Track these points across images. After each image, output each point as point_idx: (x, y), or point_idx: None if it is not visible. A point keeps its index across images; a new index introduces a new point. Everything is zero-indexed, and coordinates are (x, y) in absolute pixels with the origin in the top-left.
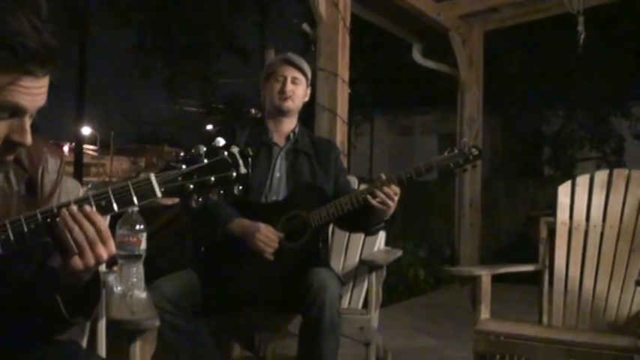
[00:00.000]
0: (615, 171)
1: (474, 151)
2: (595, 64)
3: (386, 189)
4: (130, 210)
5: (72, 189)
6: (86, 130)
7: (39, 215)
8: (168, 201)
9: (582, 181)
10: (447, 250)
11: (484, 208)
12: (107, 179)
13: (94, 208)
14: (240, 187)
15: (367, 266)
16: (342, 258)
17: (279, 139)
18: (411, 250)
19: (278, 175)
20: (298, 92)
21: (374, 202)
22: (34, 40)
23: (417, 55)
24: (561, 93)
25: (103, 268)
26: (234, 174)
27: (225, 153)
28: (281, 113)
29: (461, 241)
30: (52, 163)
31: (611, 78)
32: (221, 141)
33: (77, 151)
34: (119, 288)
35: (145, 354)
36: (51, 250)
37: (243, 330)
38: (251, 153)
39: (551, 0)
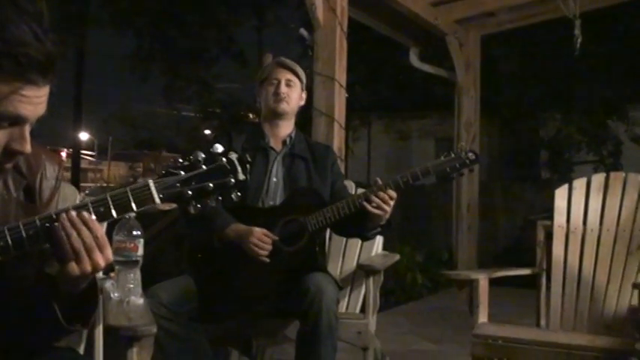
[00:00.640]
0: (612, 174)
1: (471, 155)
2: (592, 68)
3: (382, 193)
4: (127, 216)
5: (69, 195)
6: (84, 136)
7: (37, 222)
8: (166, 206)
9: (579, 184)
10: (444, 254)
11: (482, 211)
12: (105, 185)
13: (93, 215)
14: (239, 193)
15: (365, 271)
16: (340, 262)
17: (275, 144)
18: (408, 255)
19: (275, 179)
20: (293, 95)
21: (370, 206)
22: (36, 50)
23: (414, 60)
24: (558, 96)
25: (100, 274)
26: (233, 180)
27: (224, 159)
28: (276, 116)
29: (458, 245)
30: (51, 170)
31: (609, 81)
32: (219, 147)
33: (75, 157)
34: (116, 294)
35: None
36: (49, 257)
37: (240, 335)
38: (249, 159)
39: (548, 4)
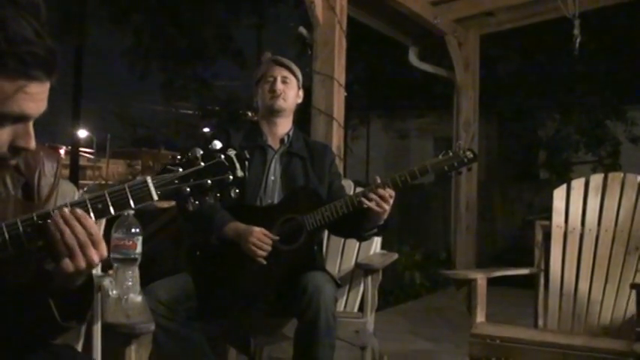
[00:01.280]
0: (610, 175)
1: (469, 154)
2: (591, 68)
3: (380, 192)
4: (125, 213)
5: (67, 192)
6: (82, 133)
7: (35, 218)
8: (165, 204)
9: (578, 184)
10: (442, 254)
11: (480, 211)
12: (103, 182)
13: (91, 212)
14: (237, 190)
15: (363, 269)
16: (338, 261)
17: (273, 142)
18: (407, 254)
19: (273, 178)
20: (289, 92)
21: (369, 204)
22: (39, 47)
23: (413, 59)
24: (557, 96)
25: (98, 271)
26: (231, 177)
27: (222, 156)
28: (274, 113)
29: (457, 245)
30: (49, 167)
31: (607, 81)
32: (218, 144)
33: (73, 154)
34: (114, 292)
35: (140, 358)
36: (45, 254)
37: (238, 334)
38: (247, 156)
39: (547, 4)
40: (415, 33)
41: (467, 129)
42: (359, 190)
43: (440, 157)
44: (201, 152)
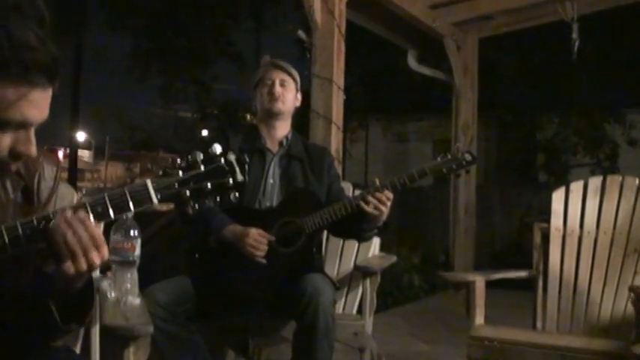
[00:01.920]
0: (609, 177)
1: (467, 157)
2: (589, 71)
3: (379, 194)
4: (124, 216)
5: (67, 195)
6: (81, 136)
7: (35, 221)
8: (163, 207)
9: (576, 187)
10: (441, 256)
11: (479, 214)
12: (102, 185)
13: (91, 215)
14: (237, 194)
15: (362, 272)
16: (337, 263)
17: (272, 145)
18: (405, 256)
19: (271, 181)
20: (287, 95)
21: (367, 207)
22: (42, 53)
23: (412, 62)
24: (556, 99)
25: (96, 273)
26: (231, 181)
27: (222, 160)
28: (272, 116)
29: (455, 247)
30: (49, 170)
31: (606, 84)
32: (218, 148)
33: (72, 157)
34: (113, 294)
35: None
36: (46, 257)
37: (237, 336)
38: (247, 160)
39: (546, 7)
40: (414, 36)
41: (465, 132)
42: (357, 192)
43: (438, 159)
44: (202, 156)
